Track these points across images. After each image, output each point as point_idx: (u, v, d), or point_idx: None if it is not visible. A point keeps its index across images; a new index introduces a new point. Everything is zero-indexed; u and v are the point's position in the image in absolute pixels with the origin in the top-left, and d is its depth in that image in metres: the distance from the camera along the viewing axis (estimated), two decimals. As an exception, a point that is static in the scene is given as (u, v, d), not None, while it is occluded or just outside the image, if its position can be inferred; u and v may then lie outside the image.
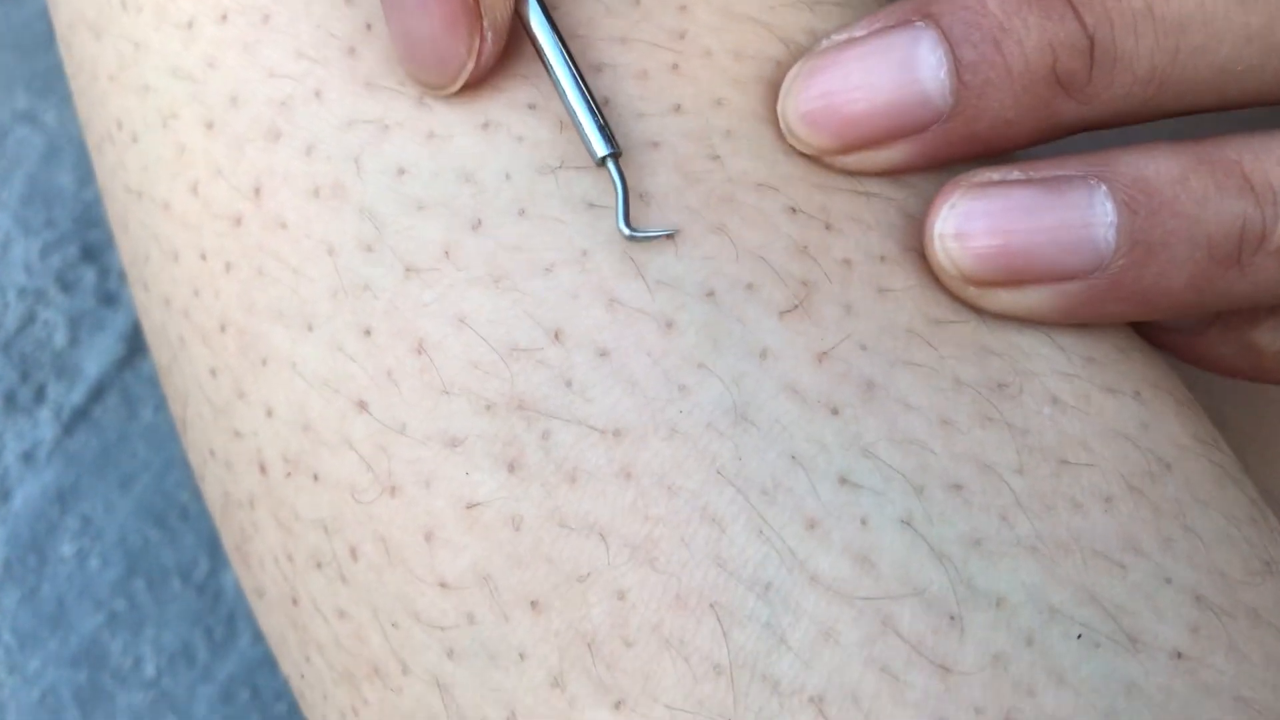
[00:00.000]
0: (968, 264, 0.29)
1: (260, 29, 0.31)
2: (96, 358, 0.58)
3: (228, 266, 0.31)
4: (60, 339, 0.58)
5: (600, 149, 0.29)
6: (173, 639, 0.54)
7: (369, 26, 0.31)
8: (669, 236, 0.29)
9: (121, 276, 0.59)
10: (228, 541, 0.34)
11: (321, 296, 0.30)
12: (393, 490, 0.29)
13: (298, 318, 0.30)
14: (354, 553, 0.29)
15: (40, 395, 0.57)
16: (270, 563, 0.32)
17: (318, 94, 0.30)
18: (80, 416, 0.57)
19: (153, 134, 0.33)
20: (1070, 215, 0.29)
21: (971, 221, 0.29)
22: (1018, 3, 0.29)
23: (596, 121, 0.29)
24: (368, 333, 0.29)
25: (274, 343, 0.30)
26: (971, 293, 0.29)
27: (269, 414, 0.31)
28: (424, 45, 0.29)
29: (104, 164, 0.35)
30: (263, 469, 0.31)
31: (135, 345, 0.58)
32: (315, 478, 0.30)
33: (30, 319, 0.58)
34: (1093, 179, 0.29)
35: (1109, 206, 0.29)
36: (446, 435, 0.28)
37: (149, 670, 0.53)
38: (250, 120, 0.31)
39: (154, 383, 0.58)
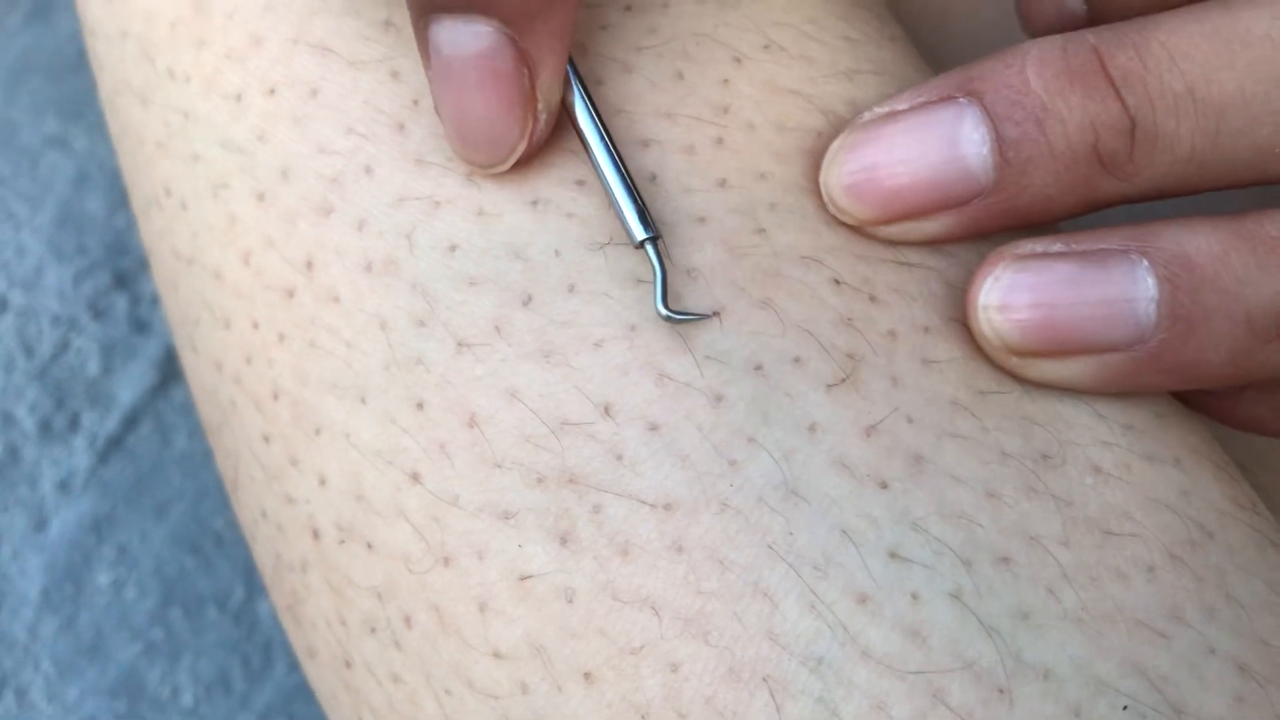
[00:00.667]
0: (1011, 335, 0.29)
1: (309, 104, 0.32)
2: (130, 385, 0.58)
3: (280, 337, 0.32)
4: (94, 367, 0.58)
5: (639, 233, 0.29)
6: (210, 668, 0.54)
7: (416, 103, 0.31)
8: (709, 316, 0.29)
9: (153, 304, 0.59)
10: (278, 601, 0.35)
11: (375, 369, 0.30)
12: (446, 561, 0.29)
13: (351, 390, 0.30)
14: (408, 620, 0.30)
15: (74, 423, 0.57)
16: (323, 625, 0.32)
17: (368, 170, 0.31)
18: (115, 445, 0.57)
19: (203, 203, 0.33)
20: (1112, 289, 0.29)
21: (1015, 294, 0.29)
22: (1060, 82, 0.29)
23: (635, 205, 0.29)
24: (420, 406, 0.30)
25: (327, 413, 0.31)
26: (1014, 363, 0.30)
27: (322, 483, 0.31)
28: (478, 125, 0.29)
29: (151, 227, 0.36)
30: (315, 535, 0.31)
31: (168, 373, 0.58)
32: (369, 546, 0.30)
33: (64, 346, 0.58)
34: (1134, 253, 0.29)
35: (1150, 281, 0.29)
36: (499, 508, 0.29)
37: (186, 699, 0.53)
38: (301, 195, 0.31)
39: (187, 410, 0.58)
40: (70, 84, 0.64)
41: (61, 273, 0.60)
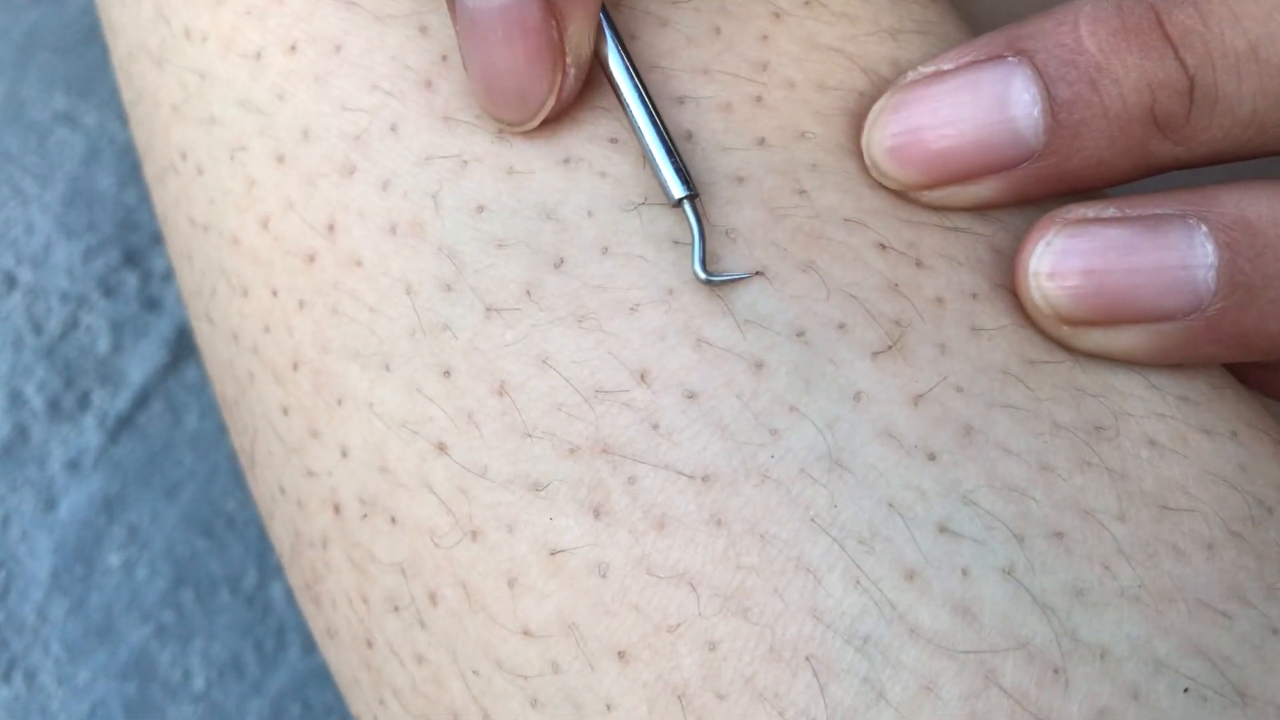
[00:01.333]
0: (1062, 303, 0.28)
1: (332, 60, 0.30)
2: (140, 364, 0.57)
3: (301, 304, 0.30)
4: (103, 345, 0.57)
5: (676, 190, 0.28)
6: (222, 651, 0.53)
7: (444, 58, 0.30)
8: (748, 278, 0.28)
9: (163, 280, 0.58)
10: (296, 580, 0.34)
11: (399, 336, 0.29)
12: (474, 535, 0.28)
13: (375, 357, 0.29)
14: (433, 598, 0.29)
15: (84, 402, 0.56)
16: (344, 604, 0.31)
17: (393, 128, 0.30)
18: (125, 424, 0.56)
19: (220, 167, 0.32)
20: (1169, 255, 0.28)
21: (1067, 260, 0.28)
22: (1115, 40, 0.28)
23: (673, 162, 0.28)
24: (447, 373, 0.28)
25: (350, 383, 0.30)
26: (1065, 332, 0.29)
27: (344, 454, 0.30)
28: (505, 80, 0.28)
29: (166, 195, 0.35)
30: (337, 509, 0.30)
31: (179, 351, 0.57)
32: (393, 520, 0.29)
33: (73, 324, 0.57)
34: (1192, 218, 0.28)
35: (1209, 247, 0.28)
36: (529, 479, 0.28)
37: (198, 683, 0.52)
38: (323, 155, 0.30)
39: (198, 389, 0.57)
40: (79, 60, 0.63)
41: (71, 250, 0.59)
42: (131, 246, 0.59)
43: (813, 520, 0.26)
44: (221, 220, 0.32)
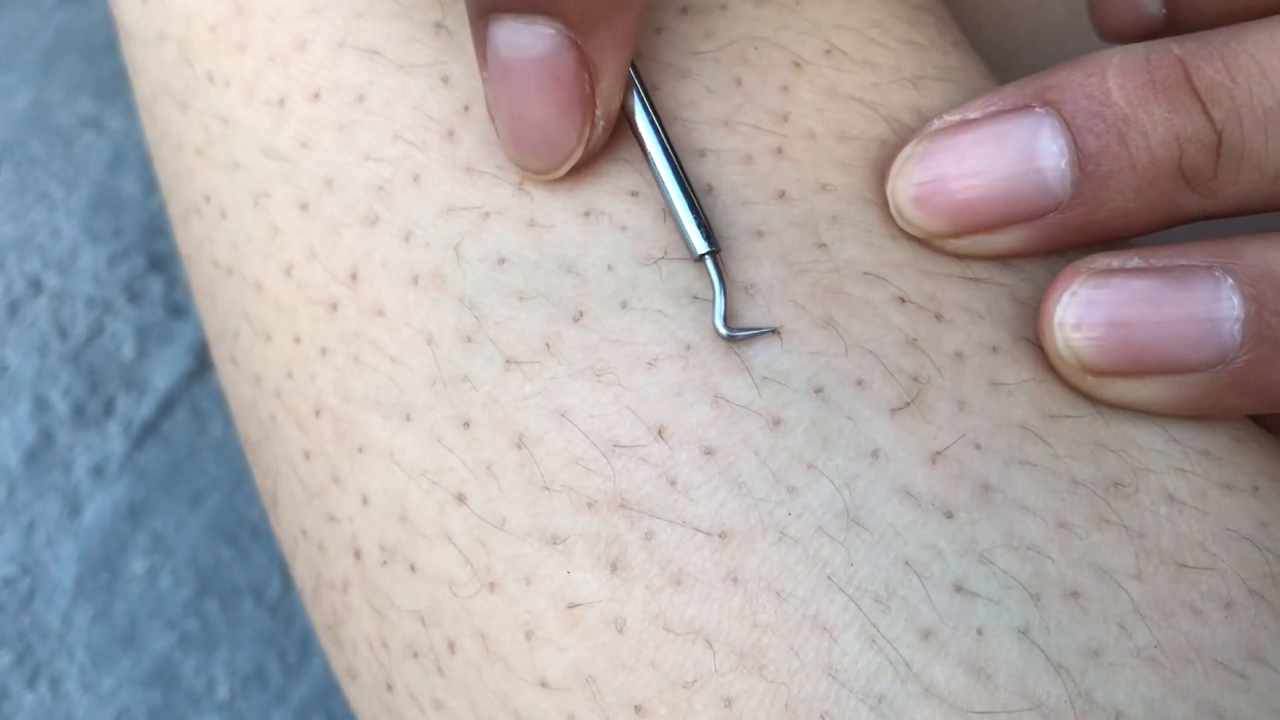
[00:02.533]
0: (1087, 354, 0.28)
1: (355, 109, 0.31)
2: (165, 370, 0.57)
3: (323, 351, 0.31)
4: (128, 351, 0.57)
5: (699, 246, 0.28)
6: (245, 661, 0.53)
7: (467, 109, 0.30)
8: (769, 334, 0.28)
9: (189, 287, 0.59)
10: (317, 620, 0.34)
11: (420, 386, 0.29)
12: (492, 586, 0.28)
13: (396, 407, 0.29)
14: (452, 646, 0.29)
15: (109, 408, 0.56)
16: (364, 647, 0.31)
17: (416, 179, 0.30)
18: (150, 431, 0.56)
19: (243, 212, 0.32)
20: (1195, 308, 0.28)
21: (1092, 310, 0.28)
22: (1144, 93, 0.28)
23: (696, 217, 0.28)
24: (467, 425, 0.29)
25: (371, 431, 0.30)
26: (1090, 383, 0.29)
27: (365, 502, 0.30)
28: (535, 130, 0.28)
29: (189, 236, 0.35)
30: (357, 555, 0.31)
31: (204, 358, 0.57)
32: (412, 568, 0.29)
33: (99, 330, 0.58)
34: (1218, 270, 0.28)
35: (1235, 300, 0.28)
36: (547, 532, 0.28)
37: (222, 692, 0.52)
38: (346, 204, 0.30)
39: (223, 397, 0.57)
40: (105, 64, 0.63)
41: (96, 255, 0.59)
42: (157, 252, 0.59)
43: (829, 578, 0.26)
44: (244, 265, 0.32)
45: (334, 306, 0.30)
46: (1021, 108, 0.29)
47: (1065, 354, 0.28)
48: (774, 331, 0.28)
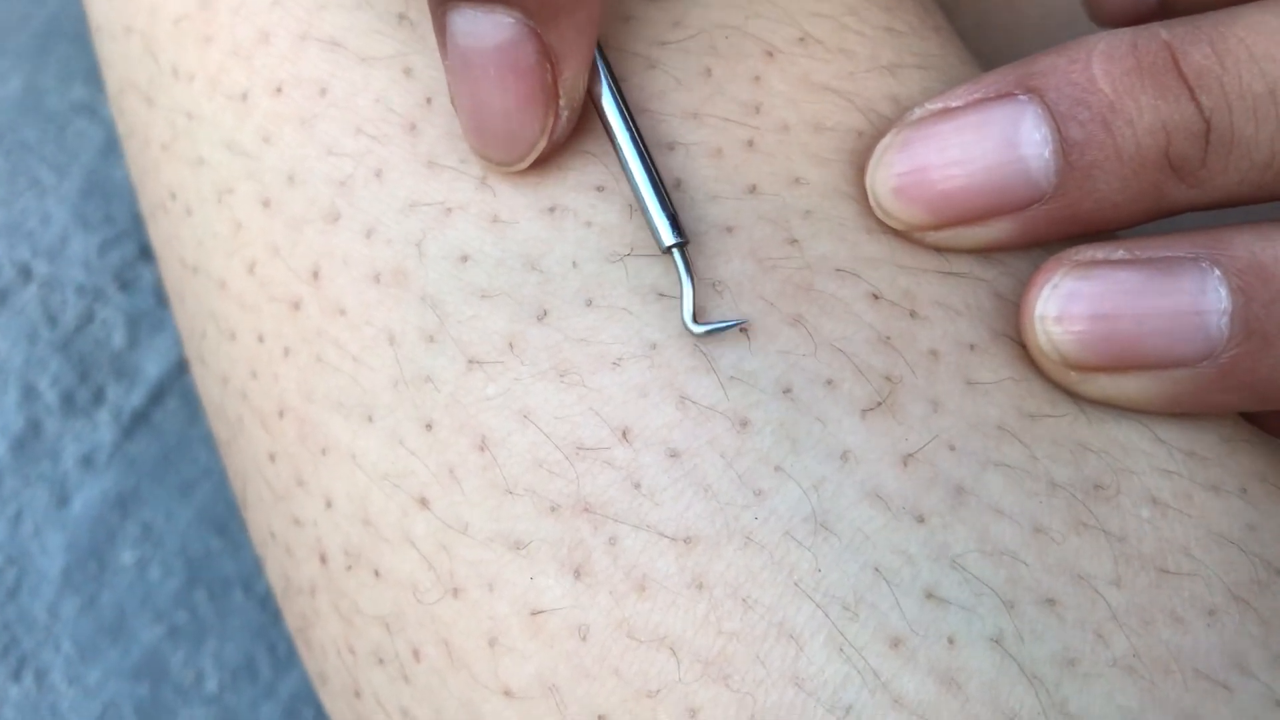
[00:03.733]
0: (1069, 348, 0.27)
1: (317, 103, 0.30)
2: (156, 359, 0.56)
3: (286, 351, 0.30)
4: (119, 339, 0.57)
5: (667, 238, 0.27)
6: (235, 653, 0.53)
7: (430, 101, 0.29)
8: (740, 329, 0.27)
9: (174, 281, 0.58)
10: (290, 623, 0.34)
11: (382, 387, 0.29)
12: (455, 592, 0.28)
13: (358, 408, 0.29)
14: (416, 654, 0.28)
15: (99, 397, 0.55)
16: (332, 652, 0.31)
17: (378, 174, 0.29)
18: (140, 420, 0.55)
19: (208, 208, 0.32)
20: (1181, 300, 0.27)
21: (1075, 303, 0.27)
22: (1130, 80, 0.27)
23: (665, 208, 0.27)
24: (429, 427, 0.28)
25: (333, 433, 0.29)
26: (1072, 378, 0.28)
27: (328, 505, 0.29)
28: (496, 121, 0.28)
29: (158, 232, 0.34)
30: (323, 559, 0.30)
31: (195, 349, 0.57)
32: (376, 574, 0.29)
33: (89, 318, 0.57)
34: (1205, 261, 0.27)
35: (1223, 292, 0.27)
36: (510, 538, 0.27)
37: (211, 685, 0.52)
38: (308, 200, 0.30)
39: (202, 395, 0.57)
40: (98, 51, 0.63)
41: (87, 242, 0.58)
42: (148, 241, 0.58)
43: (796, 585, 0.26)
44: (209, 262, 0.32)
45: (296, 305, 0.30)
46: (1004, 95, 0.28)
47: (1046, 348, 0.28)
48: (742, 327, 0.27)
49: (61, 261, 0.57)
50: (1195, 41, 0.27)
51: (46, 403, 0.55)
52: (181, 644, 0.52)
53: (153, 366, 0.56)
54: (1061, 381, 0.28)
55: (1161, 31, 0.27)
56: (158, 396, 0.55)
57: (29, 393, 0.55)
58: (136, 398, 0.55)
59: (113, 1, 0.34)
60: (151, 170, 0.34)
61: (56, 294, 0.56)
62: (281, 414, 0.30)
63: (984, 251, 0.29)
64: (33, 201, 0.58)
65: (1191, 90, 0.27)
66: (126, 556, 0.53)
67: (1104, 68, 0.27)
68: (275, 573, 0.33)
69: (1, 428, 0.55)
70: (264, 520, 0.32)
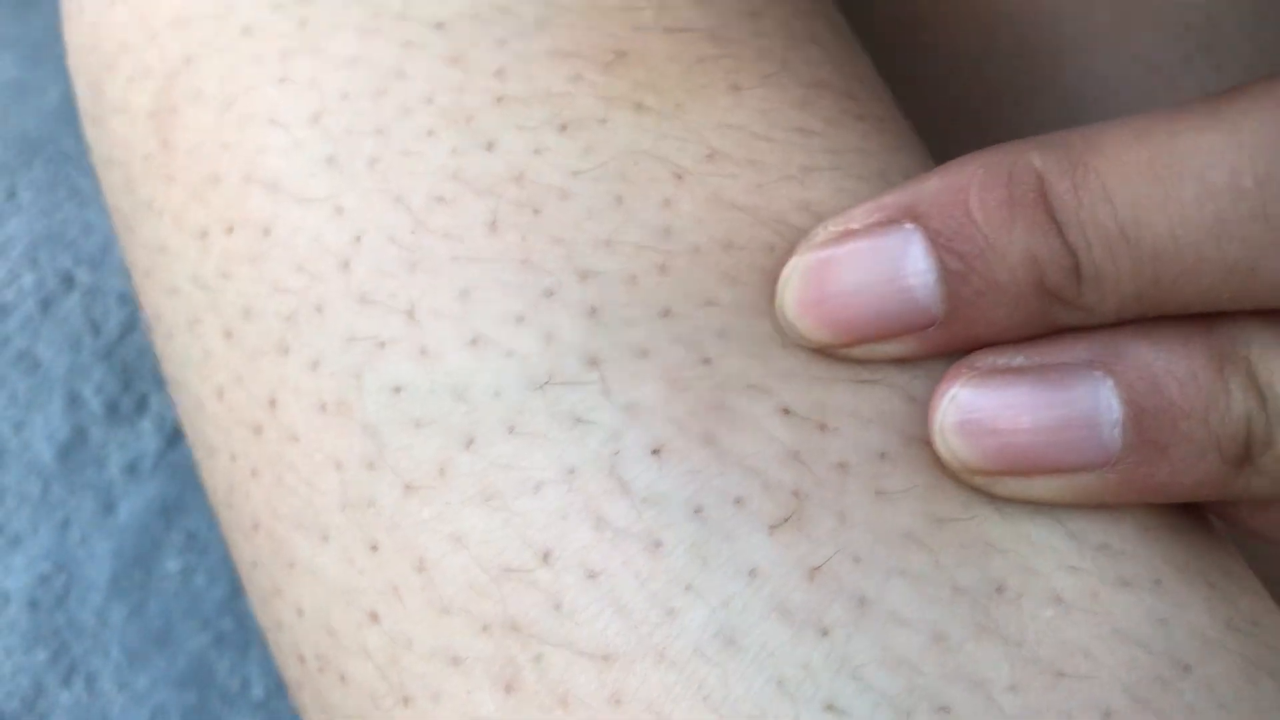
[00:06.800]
0: (971, 457, 0.28)
1: (263, 241, 0.32)
2: (198, 367, 0.57)
3: (253, 472, 0.32)
4: (161, 347, 0.57)
5: None
6: (280, 661, 0.54)
7: (359, 239, 0.31)
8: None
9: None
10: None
11: (333, 509, 0.31)
12: (406, 701, 0.30)
13: (314, 528, 0.31)
14: None
15: (143, 405, 0.57)
16: None
17: (319, 309, 0.31)
18: (183, 428, 0.57)
19: (183, 335, 0.34)
20: (1073, 411, 0.28)
21: (971, 414, 0.28)
22: (1002, 213, 0.27)
23: None
24: (375, 548, 0.30)
25: (296, 549, 0.31)
26: (980, 481, 0.29)
27: (299, 613, 0.32)
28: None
29: (155, 347, 0.37)
30: (301, 660, 0.32)
31: (238, 355, 0.57)
32: (342, 678, 0.31)
33: (131, 326, 0.58)
34: (1098, 370, 0.28)
35: (1114, 402, 0.27)
36: (449, 653, 0.29)
37: (257, 692, 0.53)
38: (262, 333, 0.32)
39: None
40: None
41: (131, 250, 0.59)
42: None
43: (705, 700, 0.27)
44: (189, 384, 0.34)
45: (258, 430, 0.32)
46: (893, 222, 0.29)
47: (949, 458, 0.28)
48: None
49: (104, 270, 0.58)
50: (1061, 174, 0.27)
51: (91, 410, 0.56)
52: (227, 651, 0.53)
53: (195, 375, 0.56)
54: (971, 484, 0.29)
55: (1035, 159, 0.28)
56: (200, 405, 0.56)
57: (74, 400, 0.56)
58: (179, 406, 0.56)
59: (97, 130, 0.37)
60: (140, 291, 0.36)
61: (99, 302, 0.57)
62: (256, 528, 0.33)
63: (899, 361, 0.30)
64: (74, 211, 0.59)
65: (1059, 225, 0.27)
66: (172, 564, 0.54)
67: (979, 198, 0.28)
68: (276, 657, 0.36)
69: (48, 435, 0.56)
70: (261, 616, 0.35)
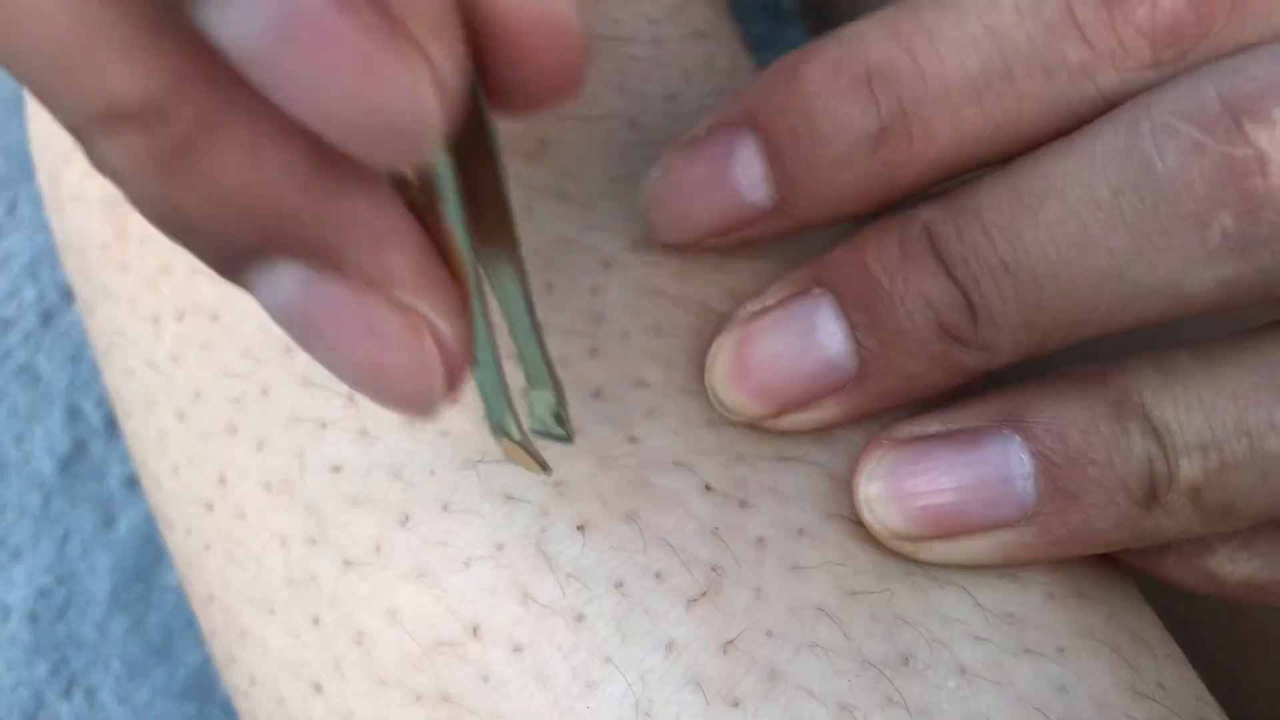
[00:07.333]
0: (896, 524, 0.30)
1: (211, 328, 0.33)
2: (196, 380, 0.57)
3: (206, 546, 0.34)
4: (160, 359, 0.57)
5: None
6: (278, 674, 0.54)
7: None
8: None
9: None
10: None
11: (279, 584, 0.32)
12: None
13: (262, 602, 0.32)
14: None
15: (143, 419, 0.57)
16: None
17: (264, 392, 0.33)
18: (182, 442, 0.57)
19: (141, 415, 0.35)
20: (987, 470, 0.29)
21: (893, 483, 0.30)
22: (896, 264, 0.29)
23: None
24: (317, 621, 0.31)
25: (246, 621, 0.33)
26: (909, 548, 0.30)
27: (252, 681, 0.33)
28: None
29: (121, 426, 0.39)
30: (261, 723, 0.34)
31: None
32: None
33: (129, 341, 0.58)
34: (1007, 428, 0.29)
35: (1024, 458, 0.29)
36: None
37: (255, 705, 0.53)
38: (211, 415, 0.33)
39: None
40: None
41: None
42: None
43: None
44: (148, 462, 0.36)
45: (209, 507, 0.33)
46: (802, 292, 0.30)
47: (876, 527, 0.30)
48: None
49: (101, 287, 0.58)
50: (945, 219, 0.29)
51: (92, 424, 0.56)
52: (226, 665, 0.53)
53: (192, 387, 0.56)
54: (900, 551, 0.30)
55: (923, 211, 0.29)
56: (198, 418, 0.56)
57: (74, 414, 0.56)
58: (178, 419, 0.56)
59: (58, 218, 0.39)
60: (104, 369, 0.38)
61: (99, 316, 0.57)
62: (210, 599, 0.34)
63: (824, 429, 0.31)
64: (74, 220, 0.59)
65: (946, 267, 0.28)
66: (172, 577, 0.54)
67: (875, 254, 0.29)
68: None
69: (48, 449, 0.56)
70: (226, 680, 0.36)
